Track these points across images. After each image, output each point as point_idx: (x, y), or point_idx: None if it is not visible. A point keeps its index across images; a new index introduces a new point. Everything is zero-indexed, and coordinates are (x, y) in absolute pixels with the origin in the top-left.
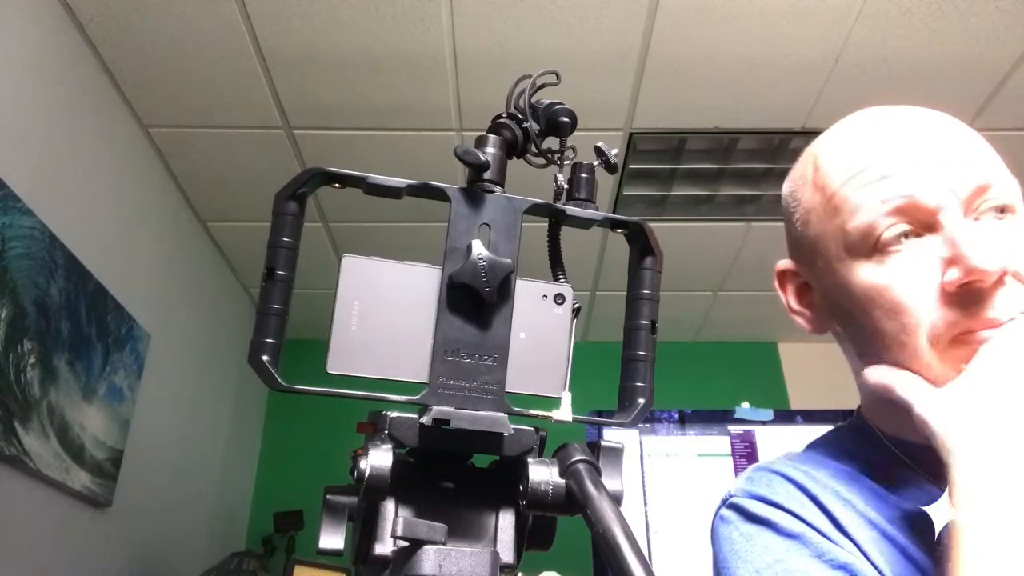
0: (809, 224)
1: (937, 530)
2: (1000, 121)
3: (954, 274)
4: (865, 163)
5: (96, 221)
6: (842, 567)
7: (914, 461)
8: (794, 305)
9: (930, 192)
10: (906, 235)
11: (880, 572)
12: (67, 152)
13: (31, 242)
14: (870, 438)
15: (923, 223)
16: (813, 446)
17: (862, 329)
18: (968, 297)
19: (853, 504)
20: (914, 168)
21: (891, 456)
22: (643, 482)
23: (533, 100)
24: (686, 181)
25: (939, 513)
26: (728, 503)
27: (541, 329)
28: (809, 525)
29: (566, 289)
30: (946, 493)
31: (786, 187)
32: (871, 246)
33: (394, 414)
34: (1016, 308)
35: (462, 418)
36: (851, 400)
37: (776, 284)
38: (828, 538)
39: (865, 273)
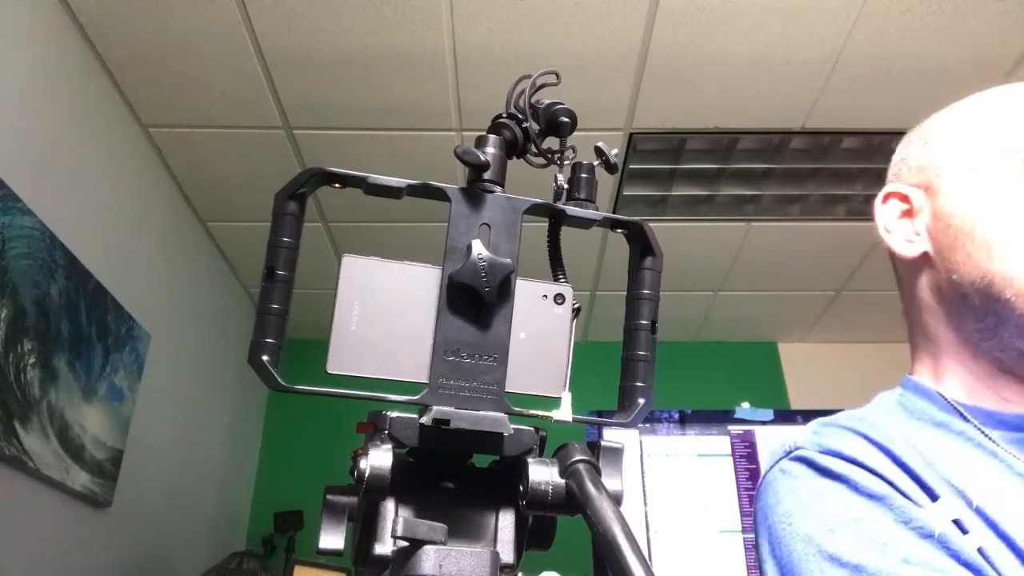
0: (964, 146)
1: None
2: None
3: None
4: None
5: (96, 221)
6: (930, 537)
7: (1000, 435)
8: (890, 226)
9: None
10: None
11: (977, 547)
12: (67, 152)
13: (31, 242)
14: (936, 403)
15: None
16: (875, 406)
17: (997, 235)
18: None
19: (939, 469)
20: None
21: (965, 423)
22: (643, 482)
23: (533, 100)
24: (686, 181)
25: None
26: (793, 455)
27: (541, 329)
28: (893, 486)
29: (566, 289)
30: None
31: (921, 132)
32: None
33: (394, 414)
34: None
35: (462, 418)
36: (851, 400)
37: (879, 203)
38: (915, 503)
39: None
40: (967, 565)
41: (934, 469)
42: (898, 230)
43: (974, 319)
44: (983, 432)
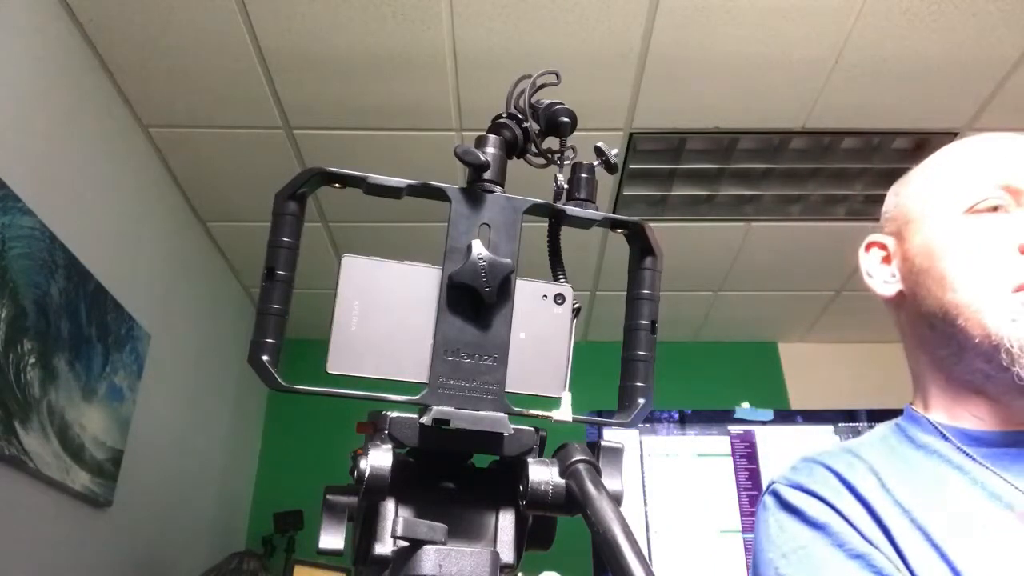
0: (922, 197)
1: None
2: (1000, 121)
3: None
4: (985, 161)
5: (96, 221)
6: (858, 557)
7: (976, 451)
8: (872, 271)
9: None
10: (997, 208)
11: (905, 561)
12: (67, 152)
13: (31, 242)
14: (922, 427)
15: (1017, 201)
16: (867, 436)
17: (948, 271)
18: None
19: (893, 493)
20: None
21: (944, 442)
22: (643, 482)
23: (533, 100)
24: (686, 181)
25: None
26: (770, 490)
27: (541, 329)
28: (839, 513)
29: (566, 289)
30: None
31: (897, 186)
32: (985, 208)
33: (394, 414)
34: None
35: (462, 418)
36: (850, 400)
37: (863, 252)
38: (855, 527)
39: (976, 223)
40: None
41: (894, 499)
42: (878, 274)
43: (942, 346)
44: (961, 449)
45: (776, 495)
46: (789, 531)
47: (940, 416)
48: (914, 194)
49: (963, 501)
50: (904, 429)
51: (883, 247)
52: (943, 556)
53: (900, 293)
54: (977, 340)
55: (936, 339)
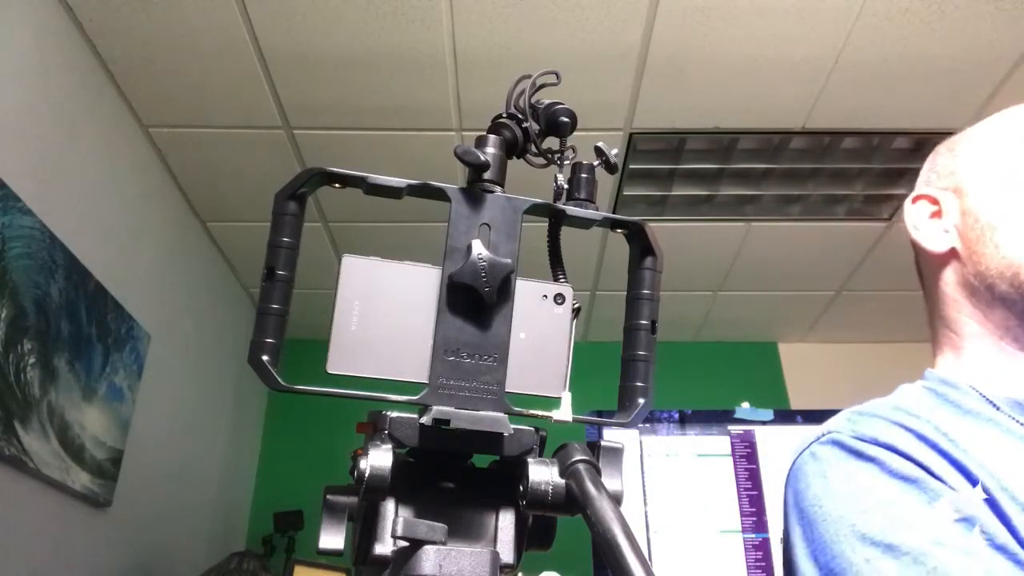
0: (997, 153)
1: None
2: None
3: None
4: None
5: (96, 221)
6: (964, 520)
7: (1016, 414)
8: (919, 224)
9: None
10: None
11: (1013, 531)
12: (67, 152)
13: (31, 242)
14: (964, 392)
15: None
16: (902, 397)
17: (1015, 232)
18: None
19: (971, 454)
20: None
21: (995, 411)
22: (643, 482)
23: (533, 100)
24: (686, 181)
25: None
26: (824, 440)
27: (541, 329)
28: (927, 470)
29: (566, 289)
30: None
31: (951, 143)
32: None
33: (394, 414)
34: None
35: (462, 418)
36: (850, 400)
37: (909, 205)
38: (951, 487)
39: None
40: (1000, 549)
41: (969, 455)
42: (927, 228)
43: (1002, 308)
44: (1013, 419)
45: (839, 444)
46: (866, 482)
47: (982, 383)
48: (983, 149)
49: None
50: (942, 394)
51: (934, 201)
52: None
53: (952, 250)
54: None
55: (995, 301)
